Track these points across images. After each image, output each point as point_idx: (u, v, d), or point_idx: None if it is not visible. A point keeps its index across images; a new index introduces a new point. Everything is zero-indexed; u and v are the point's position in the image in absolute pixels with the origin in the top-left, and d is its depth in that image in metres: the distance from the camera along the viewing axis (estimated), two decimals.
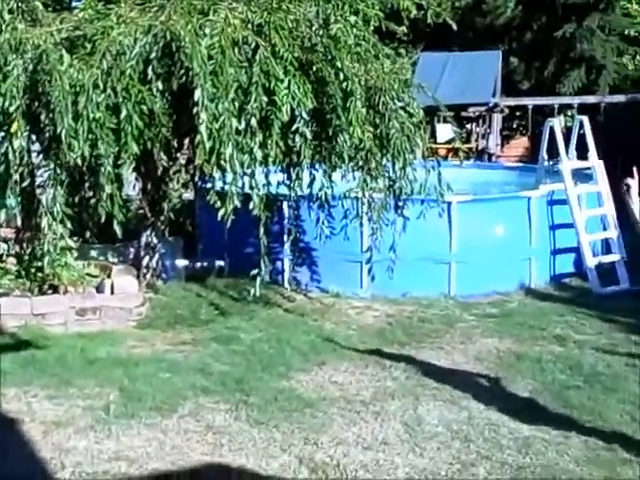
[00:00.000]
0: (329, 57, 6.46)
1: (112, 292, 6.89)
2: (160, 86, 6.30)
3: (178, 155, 7.84)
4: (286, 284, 8.10)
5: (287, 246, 8.00)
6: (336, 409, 5.11)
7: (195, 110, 5.96)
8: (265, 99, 6.14)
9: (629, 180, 4.17)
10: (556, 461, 4.39)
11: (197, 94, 5.94)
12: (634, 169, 4.19)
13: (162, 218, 7.85)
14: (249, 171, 6.36)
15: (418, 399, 5.26)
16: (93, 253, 7.70)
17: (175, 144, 7.52)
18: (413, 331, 6.78)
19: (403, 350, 6.28)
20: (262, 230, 6.50)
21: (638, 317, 6.58)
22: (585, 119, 9.18)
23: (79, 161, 6.03)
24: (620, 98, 13.48)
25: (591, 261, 8.19)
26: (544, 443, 4.59)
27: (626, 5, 14.86)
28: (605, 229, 8.58)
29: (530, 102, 13.80)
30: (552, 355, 6.10)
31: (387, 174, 7.05)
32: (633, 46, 14.76)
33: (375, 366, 5.88)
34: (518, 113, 15.02)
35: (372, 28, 7.09)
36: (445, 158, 12.38)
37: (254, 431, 4.79)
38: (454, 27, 7.52)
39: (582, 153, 8.98)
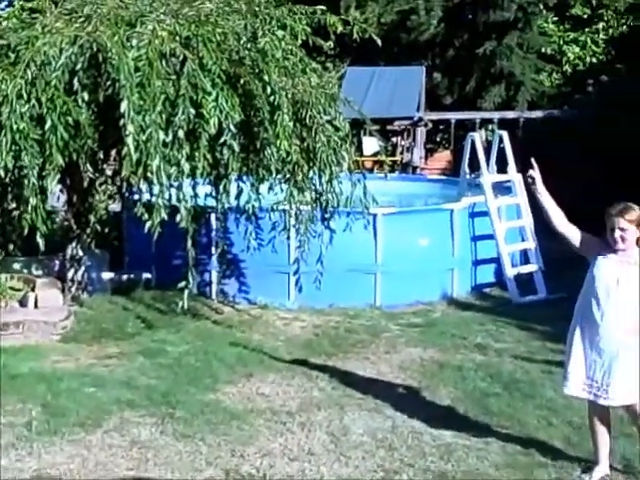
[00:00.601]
0: (257, 70, 6.53)
1: (36, 306, 6.78)
2: (86, 97, 6.25)
3: (105, 167, 7.78)
4: (214, 296, 8.11)
5: (215, 258, 8.01)
6: (263, 420, 5.16)
7: (122, 122, 5.93)
8: (193, 111, 6.15)
9: (532, 172, 4.34)
10: (476, 466, 4.55)
11: (123, 106, 5.91)
12: (532, 160, 4.35)
13: (88, 230, 7.76)
14: (176, 183, 6.36)
15: (344, 409, 5.34)
16: (16, 266, 7.55)
17: (101, 155, 7.46)
18: (339, 342, 6.88)
19: (329, 361, 6.37)
20: (189, 242, 6.49)
21: (554, 325, 6.81)
22: (505, 134, 9.48)
23: (2, 172, 5.93)
24: (538, 114, 13.96)
25: (510, 271, 8.47)
26: (465, 449, 4.74)
27: (543, 24, 15.41)
28: (523, 240, 8.88)
29: (453, 116, 14.15)
30: (473, 363, 6.28)
31: (314, 187, 7.15)
32: (549, 64, 15.30)
33: (302, 377, 5.95)
34: (441, 127, 15.34)
35: (299, 42, 7.20)
36: (371, 170, 12.58)
37: (180, 445, 4.78)
38: (379, 43, 7.71)
39: (502, 166, 9.28)
